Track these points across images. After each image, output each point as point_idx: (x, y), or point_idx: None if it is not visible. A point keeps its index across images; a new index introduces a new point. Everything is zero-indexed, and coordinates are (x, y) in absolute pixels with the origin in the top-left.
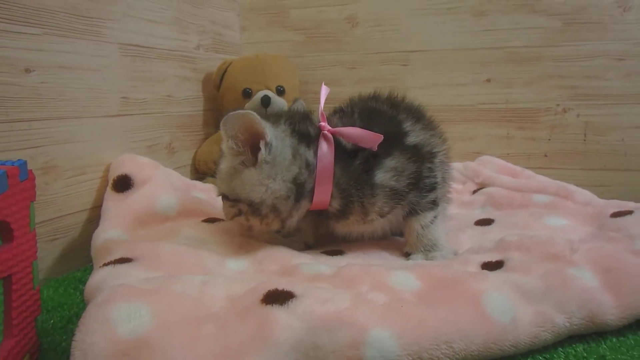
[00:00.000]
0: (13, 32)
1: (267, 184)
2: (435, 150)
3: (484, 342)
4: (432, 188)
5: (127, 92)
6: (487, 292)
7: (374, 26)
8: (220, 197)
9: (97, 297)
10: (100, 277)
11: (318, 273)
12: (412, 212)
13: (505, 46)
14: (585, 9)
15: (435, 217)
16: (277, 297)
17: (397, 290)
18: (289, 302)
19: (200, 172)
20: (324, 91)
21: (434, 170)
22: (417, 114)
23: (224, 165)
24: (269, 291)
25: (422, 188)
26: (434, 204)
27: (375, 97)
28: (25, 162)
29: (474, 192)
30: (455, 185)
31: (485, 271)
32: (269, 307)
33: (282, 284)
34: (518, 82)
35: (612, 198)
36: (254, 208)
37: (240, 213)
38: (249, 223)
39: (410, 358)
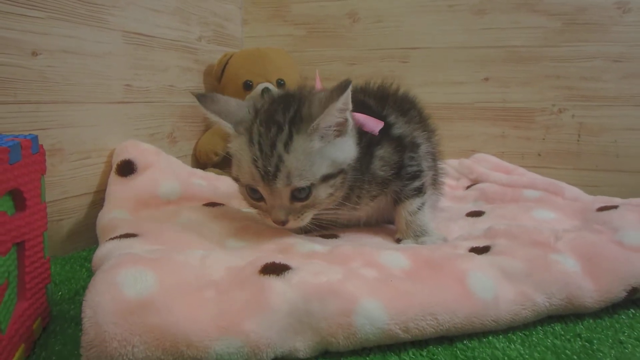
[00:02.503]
0: (17, 14)
1: (355, 146)
2: (418, 141)
3: (467, 316)
4: (415, 176)
5: (130, 80)
6: (472, 271)
7: (375, 22)
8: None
9: (104, 265)
10: (107, 249)
11: (312, 251)
12: (398, 199)
13: (505, 45)
14: (585, 9)
15: (422, 204)
16: (274, 269)
17: (387, 267)
18: (285, 273)
19: (201, 162)
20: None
21: (416, 160)
22: (404, 107)
23: (301, 153)
24: (267, 264)
25: (403, 176)
26: (419, 191)
27: (364, 90)
28: (36, 137)
29: (468, 187)
30: (450, 181)
31: (472, 253)
32: (266, 277)
33: (279, 259)
34: (516, 81)
35: None
36: (338, 178)
37: (307, 197)
38: (308, 211)
39: (398, 327)
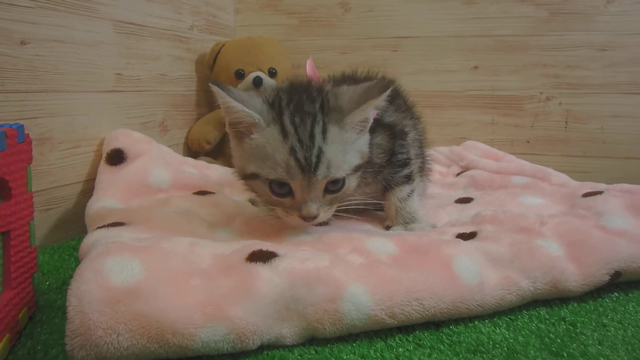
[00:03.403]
0: (6, 3)
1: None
2: (406, 129)
3: (453, 301)
4: (405, 164)
5: (121, 69)
6: (458, 256)
7: (366, 12)
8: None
9: (91, 253)
10: (94, 238)
11: (301, 239)
12: (388, 186)
13: (494, 34)
14: None
15: (411, 191)
16: (261, 256)
17: (374, 253)
18: (272, 261)
19: (193, 150)
20: (310, 65)
21: (405, 147)
22: (391, 96)
23: (338, 144)
24: (254, 251)
25: (394, 163)
26: (409, 178)
27: (353, 77)
28: (22, 126)
29: (458, 174)
30: (440, 168)
31: (458, 239)
32: (252, 264)
33: (267, 246)
34: (505, 70)
35: None
36: (362, 168)
37: (340, 188)
38: (335, 203)
39: (384, 312)
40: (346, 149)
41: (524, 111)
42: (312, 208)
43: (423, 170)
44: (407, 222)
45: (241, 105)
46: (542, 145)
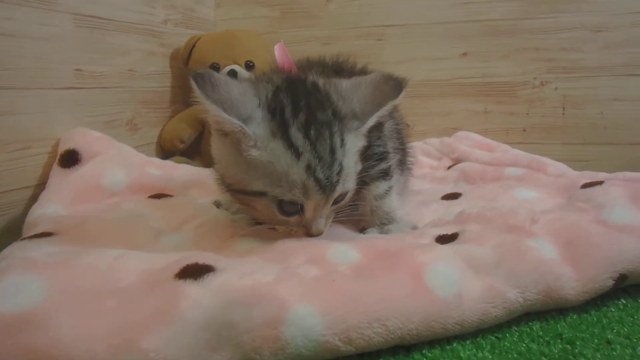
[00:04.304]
0: None
1: None
2: (382, 119)
3: (424, 319)
4: (381, 157)
5: (82, 65)
6: (432, 264)
7: (349, 1)
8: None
9: None
10: (8, 252)
11: (252, 247)
12: (363, 182)
13: (482, 19)
14: None
15: (389, 187)
16: (193, 272)
17: (333, 263)
18: (205, 277)
19: (166, 149)
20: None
21: (382, 139)
22: None
23: (352, 154)
24: (187, 265)
25: (370, 156)
26: (386, 173)
27: (321, 63)
28: None
29: (449, 167)
30: (431, 161)
31: (435, 243)
32: (181, 281)
33: (205, 258)
34: (495, 55)
35: None
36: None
37: (344, 198)
38: (335, 213)
39: (337, 338)
40: (355, 157)
41: (518, 98)
42: (321, 225)
43: (404, 164)
44: (384, 223)
45: (218, 108)
46: (540, 134)
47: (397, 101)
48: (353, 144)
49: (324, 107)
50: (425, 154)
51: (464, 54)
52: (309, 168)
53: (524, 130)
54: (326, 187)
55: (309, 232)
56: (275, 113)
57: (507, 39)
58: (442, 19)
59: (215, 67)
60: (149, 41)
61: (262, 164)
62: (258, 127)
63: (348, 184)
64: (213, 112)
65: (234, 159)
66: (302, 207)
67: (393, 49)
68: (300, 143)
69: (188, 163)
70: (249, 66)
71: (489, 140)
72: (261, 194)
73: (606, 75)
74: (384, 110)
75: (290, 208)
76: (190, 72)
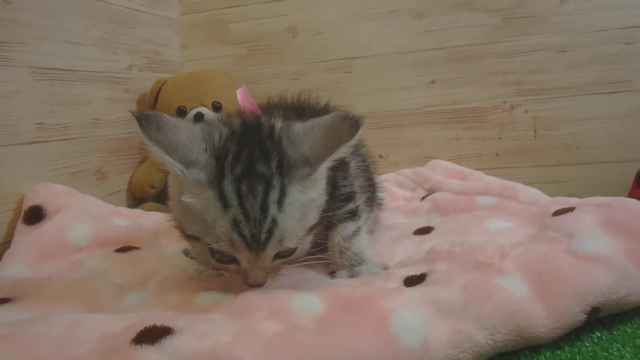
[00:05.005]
0: None
1: None
2: (346, 158)
3: None
4: (348, 198)
5: (44, 118)
6: (396, 311)
7: (315, 35)
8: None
9: None
10: None
11: (215, 301)
12: (331, 224)
13: (447, 46)
14: (523, 3)
15: (358, 228)
16: (150, 335)
17: (295, 316)
18: (162, 340)
19: (137, 196)
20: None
21: (348, 179)
22: None
23: (295, 208)
24: (145, 328)
25: (337, 197)
26: (354, 214)
27: (282, 104)
28: None
29: (423, 198)
30: (405, 193)
31: (402, 287)
32: (137, 347)
33: (164, 319)
34: (462, 81)
35: (570, 194)
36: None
37: (292, 253)
38: (286, 266)
39: None
40: (305, 210)
41: (489, 123)
42: (260, 277)
43: (373, 200)
44: (354, 264)
45: (160, 150)
46: (513, 157)
47: (351, 143)
48: (299, 197)
49: (269, 157)
50: (398, 185)
51: (433, 81)
52: (234, 223)
53: (497, 155)
54: (252, 244)
55: (246, 282)
56: (219, 160)
57: (474, 64)
58: (408, 48)
59: (183, 111)
60: (113, 88)
61: (196, 210)
62: (199, 173)
63: (287, 242)
64: (156, 154)
65: (176, 200)
66: (234, 258)
67: (361, 81)
68: (230, 196)
69: (159, 209)
70: (217, 107)
71: (462, 167)
72: (196, 239)
73: (575, 95)
74: (338, 154)
75: (224, 257)
76: (135, 113)
